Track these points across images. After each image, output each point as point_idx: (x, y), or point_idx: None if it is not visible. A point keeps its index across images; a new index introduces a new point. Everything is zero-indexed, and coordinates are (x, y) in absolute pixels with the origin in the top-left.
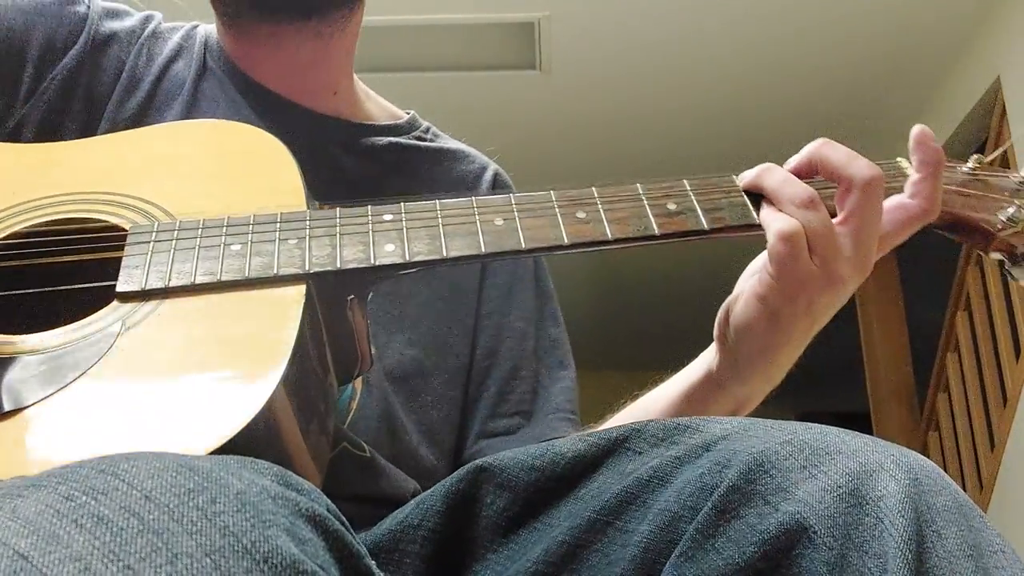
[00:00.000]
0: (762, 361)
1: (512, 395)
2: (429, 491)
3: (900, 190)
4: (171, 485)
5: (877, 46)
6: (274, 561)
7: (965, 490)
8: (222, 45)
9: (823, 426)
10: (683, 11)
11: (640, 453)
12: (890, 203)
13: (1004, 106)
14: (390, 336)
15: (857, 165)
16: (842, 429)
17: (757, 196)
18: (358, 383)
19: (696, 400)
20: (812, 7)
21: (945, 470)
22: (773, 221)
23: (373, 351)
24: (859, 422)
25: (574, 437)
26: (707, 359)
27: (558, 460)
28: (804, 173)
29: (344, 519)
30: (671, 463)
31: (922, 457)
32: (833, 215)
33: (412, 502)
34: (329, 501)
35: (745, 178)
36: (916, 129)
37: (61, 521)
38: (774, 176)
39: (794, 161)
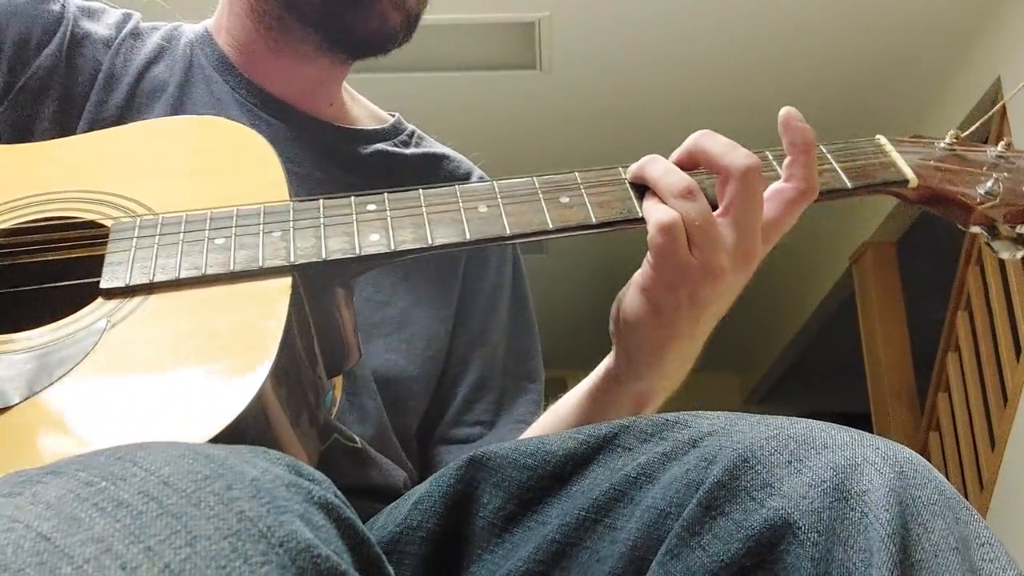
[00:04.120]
0: (652, 355)
1: (478, 404)
2: (427, 491)
3: (882, 166)
4: (187, 471)
5: (878, 46)
6: (289, 545)
7: (966, 490)
8: (216, 41)
9: (809, 420)
10: (683, 10)
11: (630, 449)
12: (768, 191)
13: (1004, 106)
14: (370, 340)
15: (734, 155)
16: (829, 423)
17: (643, 188)
18: (338, 390)
19: (597, 397)
20: (813, 7)
21: (946, 470)
22: (653, 212)
23: (361, 344)
24: (860, 422)
25: (565, 434)
26: (609, 356)
27: (549, 458)
28: (686, 165)
29: (352, 508)
30: (659, 459)
31: (908, 450)
32: (716, 207)
33: (410, 502)
34: (337, 490)
35: (631, 170)
36: (783, 111)
37: (82, 505)
38: (656, 167)
39: (676, 153)
